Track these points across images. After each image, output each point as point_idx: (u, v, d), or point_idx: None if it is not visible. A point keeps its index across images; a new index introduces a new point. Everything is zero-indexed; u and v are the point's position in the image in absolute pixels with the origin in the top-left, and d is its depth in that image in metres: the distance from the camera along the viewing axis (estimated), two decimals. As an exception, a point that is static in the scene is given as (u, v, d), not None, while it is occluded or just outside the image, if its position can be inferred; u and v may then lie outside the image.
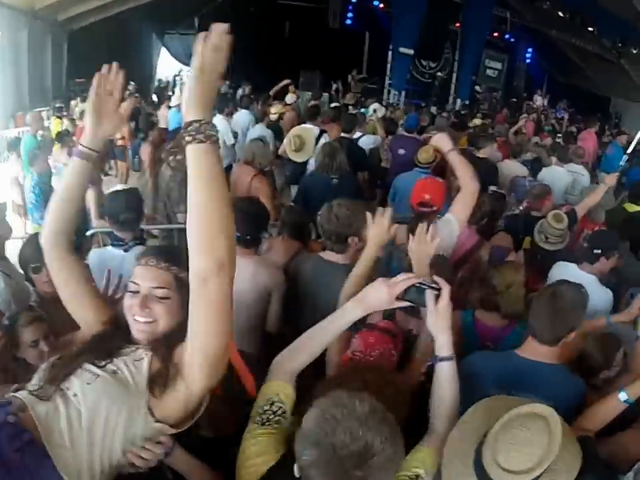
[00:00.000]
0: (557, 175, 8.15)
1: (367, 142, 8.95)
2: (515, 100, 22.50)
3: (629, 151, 8.02)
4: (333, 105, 14.78)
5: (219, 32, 1.63)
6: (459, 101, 18.75)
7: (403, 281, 2.11)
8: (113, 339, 1.97)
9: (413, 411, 2.33)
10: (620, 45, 20.07)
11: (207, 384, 1.81)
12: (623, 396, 2.67)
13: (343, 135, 8.08)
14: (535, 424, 1.96)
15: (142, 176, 9.62)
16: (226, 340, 1.76)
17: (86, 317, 2.12)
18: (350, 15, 22.90)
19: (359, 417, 1.62)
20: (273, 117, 10.40)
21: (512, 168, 8.28)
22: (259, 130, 9.28)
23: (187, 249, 1.64)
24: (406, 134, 9.08)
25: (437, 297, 2.12)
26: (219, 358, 1.77)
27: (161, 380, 1.81)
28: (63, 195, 2.12)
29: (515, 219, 6.30)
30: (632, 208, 7.07)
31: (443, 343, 2.21)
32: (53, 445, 1.66)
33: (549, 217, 5.20)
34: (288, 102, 12.37)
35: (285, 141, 7.68)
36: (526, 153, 9.65)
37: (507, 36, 24.87)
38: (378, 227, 2.96)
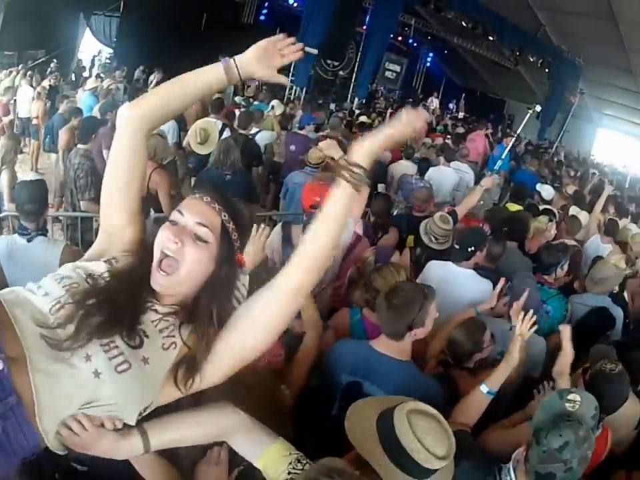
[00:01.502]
0: (444, 174, 8.47)
1: (263, 138, 9.09)
2: (411, 100, 23.17)
3: (503, 156, 8.41)
4: (237, 97, 14.97)
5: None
6: (356, 99, 19.17)
7: None
8: (141, 291, 1.67)
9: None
10: (518, 53, 21.14)
11: (218, 382, 1.73)
12: (484, 388, 2.83)
13: (240, 131, 8.18)
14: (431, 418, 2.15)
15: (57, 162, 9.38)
16: (260, 353, 1.73)
17: (115, 217, 1.84)
18: (265, 11, 23.34)
19: None
20: None
21: (402, 168, 8.51)
22: None
23: (243, 210, 1.75)
24: (299, 131, 9.25)
25: None
26: (243, 363, 1.73)
27: (187, 372, 1.65)
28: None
29: (399, 218, 6.45)
30: (513, 207, 7.54)
31: None
32: (40, 406, 1.42)
33: (435, 218, 5.29)
34: None
35: (189, 132, 7.60)
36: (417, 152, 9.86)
37: (410, 40, 25.66)
38: (255, 244, 3.05)
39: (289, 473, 1.81)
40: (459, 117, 16.60)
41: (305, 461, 1.85)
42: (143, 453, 1.69)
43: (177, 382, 1.63)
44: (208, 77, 1.86)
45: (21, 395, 1.40)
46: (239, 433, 1.87)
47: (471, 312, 4.01)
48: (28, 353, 1.41)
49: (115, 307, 1.57)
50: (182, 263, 1.62)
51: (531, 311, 2.98)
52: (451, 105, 20.51)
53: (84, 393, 1.47)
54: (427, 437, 2.05)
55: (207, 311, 1.68)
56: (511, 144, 8.71)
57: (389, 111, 14.84)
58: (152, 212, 5.47)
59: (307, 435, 2.36)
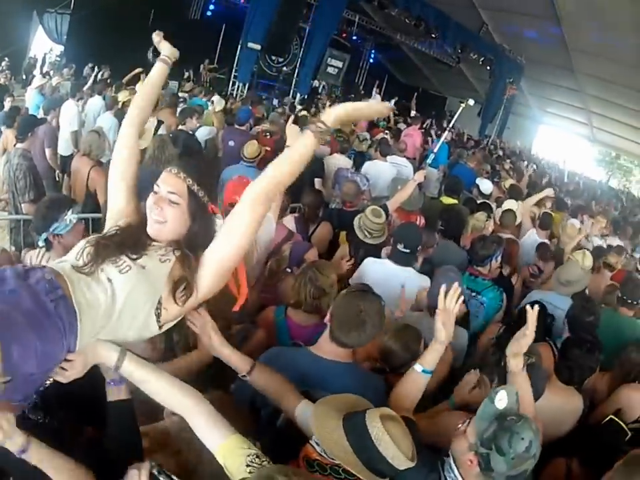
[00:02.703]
0: (380, 168, 8.45)
1: (203, 133, 8.98)
2: (352, 96, 23.27)
3: (436, 149, 8.44)
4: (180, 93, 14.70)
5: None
6: (298, 94, 19.13)
7: None
8: (143, 232, 2.21)
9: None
10: (460, 51, 21.38)
11: (210, 293, 2.21)
12: (418, 367, 2.81)
13: (180, 127, 8.12)
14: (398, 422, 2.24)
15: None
16: (238, 260, 2.22)
17: (119, 202, 2.39)
18: (212, 7, 23.38)
19: None
20: (120, 104, 10.11)
21: (337, 162, 8.41)
22: (106, 117, 8.98)
23: (206, 172, 2.31)
24: (237, 126, 9.10)
25: None
26: (227, 272, 2.21)
27: (183, 290, 2.12)
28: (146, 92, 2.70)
29: (331, 213, 6.33)
30: (448, 201, 7.56)
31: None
32: (80, 309, 1.90)
33: (367, 213, 5.21)
34: (138, 90, 11.97)
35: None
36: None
37: (353, 37, 25.94)
38: None
39: (248, 466, 1.91)
40: (412, 114, 16.62)
41: (263, 458, 1.95)
42: (113, 369, 2.06)
43: (176, 299, 2.11)
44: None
45: (65, 291, 1.90)
46: (200, 415, 2.05)
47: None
48: (63, 272, 1.95)
49: (121, 239, 2.15)
50: (165, 220, 2.18)
51: (456, 285, 2.83)
52: (392, 101, 20.58)
53: (104, 295, 1.96)
54: (402, 443, 2.15)
55: (191, 243, 2.22)
56: (443, 137, 8.64)
57: (329, 104, 14.64)
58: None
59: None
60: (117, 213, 2.36)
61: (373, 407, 2.32)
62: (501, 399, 2.34)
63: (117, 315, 1.98)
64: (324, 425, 2.25)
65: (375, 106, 2.18)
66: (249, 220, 2.12)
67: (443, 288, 2.75)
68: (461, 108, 7.68)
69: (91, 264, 2.02)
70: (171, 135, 7.23)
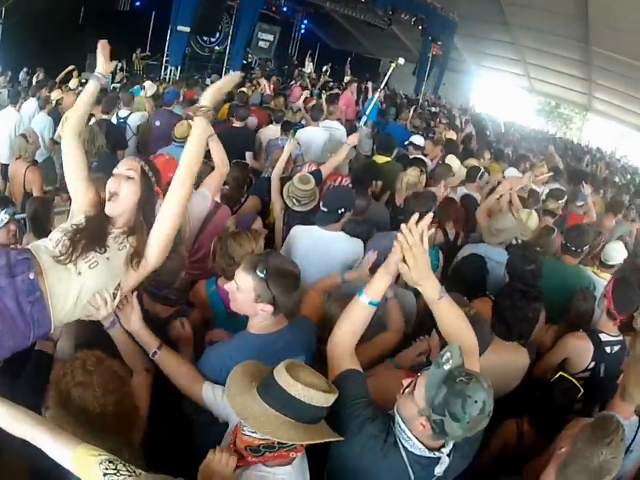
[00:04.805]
0: (311, 133, 8.35)
1: (134, 119, 8.91)
2: (286, 68, 23.52)
3: (368, 111, 8.37)
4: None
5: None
6: (231, 71, 18.91)
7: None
8: (104, 220, 2.68)
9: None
10: (391, 12, 21.20)
11: (158, 260, 2.71)
12: (364, 299, 2.58)
13: (103, 116, 8.03)
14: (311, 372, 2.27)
15: None
16: (176, 227, 2.71)
17: (78, 195, 2.82)
18: (140, -3, 22.89)
19: None
20: (53, 102, 10.03)
21: (270, 133, 8.43)
22: (40, 118, 8.99)
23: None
24: (165, 108, 9.10)
25: None
26: (170, 239, 2.71)
27: (136, 258, 2.63)
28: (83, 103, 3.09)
29: (260, 184, 6.17)
30: (380, 159, 7.49)
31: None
32: (53, 302, 2.37)
33: (294, 180, 5.10)
34: (71, 87, 12.16)
35: (60, 124, 7.92)
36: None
37: (284, 8, 25.70)
38: None
39: (105, 475, 1.87)
40: (346, 80, 16.60)
41: (117, 462, 1.92)
42: None
43: (133, 267, 2.64)
44: None
45: (42, 291, 2.34)
46: (44, 433, 2.04)
47: (337, 279, 3.76)
48: (43, 267, 2.37)
49: (90, 233, 2.57)
50: (120, 193, 2.63)
51: (430, 215, 2.51)
52: (324, 68, 20.59)
53: (75, 287, 2.44)
54: (306, 377, 2.20)
55: (140, 220, 2.69)
56: (376, 96, 8.55)
57: (263, 79, 14.59)
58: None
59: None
60: (79, 203, 2.81)
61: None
62: (447, 360, 2.19)
63: (83, 303, 2.49)
64: (246, 405, 2.23)
65: (227, 78, 2.97)
66: (181, 192, 2.67)
67: (414, 217, 2.44)
68: (391, 68, 7.64)
69: (66, 256, 2.44)
70: (96, 125, 7.28)
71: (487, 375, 2.22)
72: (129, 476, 1.87)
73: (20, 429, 2.08)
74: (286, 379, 2.16)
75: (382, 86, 9.16)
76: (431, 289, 2.51)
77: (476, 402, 2.10)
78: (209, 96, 2.74)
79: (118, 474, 1.87)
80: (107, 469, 1.87)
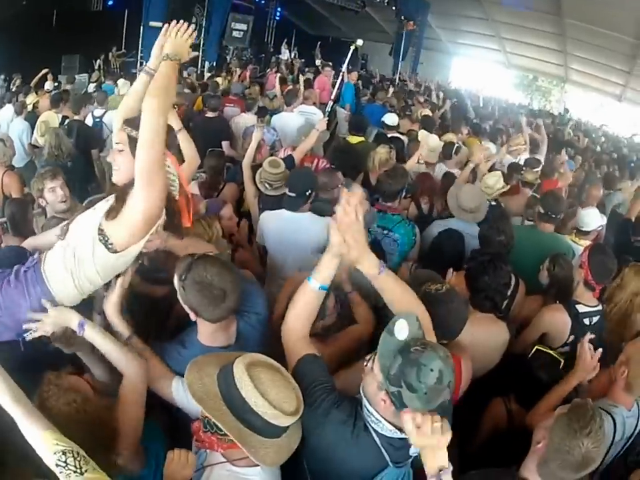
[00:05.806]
0: (286, 118, 8.43)
1: (110, 118, 8.83)
2: (263, 56, 23.59)
3: (333, 96, 8.35)
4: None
5: None
6: (207, 63, 18.89)
7: None
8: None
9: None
10: (365, -6, 21.21)
11: (144, 205, 2.50)
12: (314, 285, 2.56)
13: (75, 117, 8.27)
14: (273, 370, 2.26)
15: None
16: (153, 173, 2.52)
17: None
18: (112, -4, 22.82)
19: None
20: (29, 107, 10.15)
21: (244, 120, 8.47)
22: (17, 123, 9.00)
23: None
24: None
25: None
26: (151, 181, 2.52)
27: (114, 210, 2.58)
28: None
29: (236, 170, 6.22)
30: (354, 139, 7.56)
31: None
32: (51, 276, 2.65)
33: (265, 165, 5.16)
34: (48, 89, 12.27)
35: (36, 129, 8.08)
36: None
37: (257, -3, 25.54)
38: None
39: (57, 465, 1.92)
40: (317, 64, 16.61)
41: (70, 455, 1.93)
42: None
43: (110, 217, 2.64)
44: None
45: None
46: (20, 411, 2.05)
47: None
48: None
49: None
50: (120, 166, 2.77)
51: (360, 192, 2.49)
52: (293, 53, 20.65)
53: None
54: (271, 390, 2.16)
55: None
56: (339, 79, 8.58)
57: (238, 69, 14.60)
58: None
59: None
60: None
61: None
62: (401, 329, 2.19)
63: (68, 263, 2.64)
64: (200, 369, 2.32)
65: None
66: (150, 159, 2.55)
67: (346, 196, 2.40)
68: (350, 50, 7.70)
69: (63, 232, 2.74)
70: (66, 127, 7.81)
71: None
72: (74, 472, 1.90)
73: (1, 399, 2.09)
74: (240, 369, 2.18)
75: (343, 68, 9.16)
76: (369, 265, 2.49)
77: (432, 370, 2.07)
78: (154, 54, 3.18)
79: (66, 467, 1.91)
80: (59, 459, 1.92)
